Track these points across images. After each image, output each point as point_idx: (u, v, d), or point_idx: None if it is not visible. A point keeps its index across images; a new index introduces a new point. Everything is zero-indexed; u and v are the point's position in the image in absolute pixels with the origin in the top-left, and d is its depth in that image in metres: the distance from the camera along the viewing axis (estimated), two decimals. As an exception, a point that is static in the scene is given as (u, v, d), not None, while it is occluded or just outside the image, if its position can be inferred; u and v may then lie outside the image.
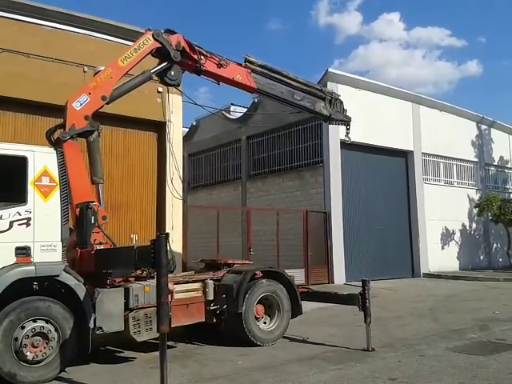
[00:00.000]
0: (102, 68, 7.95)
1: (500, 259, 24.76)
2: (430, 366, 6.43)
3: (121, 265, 6.64)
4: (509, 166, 26.82)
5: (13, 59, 10.93)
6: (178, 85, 8.70)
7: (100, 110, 7.55)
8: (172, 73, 8.25)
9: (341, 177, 18.43)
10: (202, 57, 8.50)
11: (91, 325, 6.23)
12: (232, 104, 25.32)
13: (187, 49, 8.32)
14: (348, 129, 10.73)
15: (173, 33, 8.26)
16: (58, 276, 6.17)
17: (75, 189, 6.92)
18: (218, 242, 15.39)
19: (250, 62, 9.20)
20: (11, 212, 6.09)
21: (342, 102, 10.44)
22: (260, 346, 7.78)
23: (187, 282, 7.77)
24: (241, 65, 9.02)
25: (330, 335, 8.65)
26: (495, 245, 24.87)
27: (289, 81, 9.65)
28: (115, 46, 11.93)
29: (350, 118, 10.64)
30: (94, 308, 6.28)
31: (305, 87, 9.82)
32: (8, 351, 5.69)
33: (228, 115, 24.12)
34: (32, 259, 6.06)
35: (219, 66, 8.68)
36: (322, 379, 5.98)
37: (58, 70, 11.44)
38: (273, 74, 9.43)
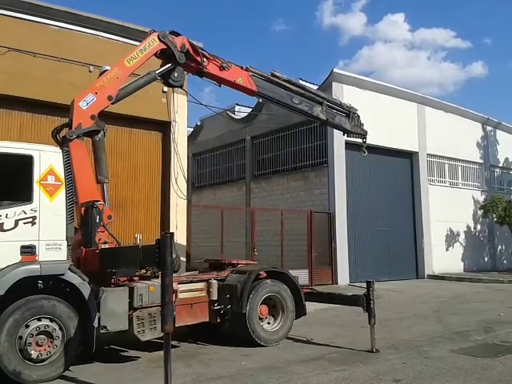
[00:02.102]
0: (108, 68, 7.98)
1: (505, 261, 24.69)
2: (434, 368, 6.42)
3: (125, 264, 6.64)
4: (514, 167, 26.75)
5: (19, 58, 10.98)
6: (181, 86, 8.74)
7: (105, 110, 7.57)
8: (175, 74, 8.30)
9: (345, 177, 18.42)
10: (205, 59, 8.55)
11: (95, 324, 6.24)
12: (237, 104, 25.35)
13: (191, 51, 8.37)
14: (364, 142, 11.02)
15: (177, 34, 8.30)
16: (62, 275, 6.18)
17: (81, 188, 6.93)
18: (221, 241, 15.39)
19: (276, 77, 9.51)
20: (17, 211, 6.10)
21: (359, 116, 10.76)
22: (264, 346, 7.77)
23: (191, 282, 7.78)
24: (242, 68, 9.11)
25: (334, 336, 8.64)
26: (500, 246, 24.78)
27: (295, 88, 9.73)
28: (121, 46, 11.97)
29: (366, 132, 10.91)
30: (99, 307, 6.30)
31: (303, 91, 9.89)
32: (13, 350, 5.71)
33: (232, 115, 24.14)
34: (37, 258, 6.08)
35: (221, 68, 8.75)
36: (326, 380, 5.98)
37: (63, 69, 11.47)
38: (274, 79, 9.50)
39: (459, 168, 23.72)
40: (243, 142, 23.18)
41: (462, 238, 22.75)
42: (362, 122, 10.85)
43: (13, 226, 6.04)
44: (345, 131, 10.82)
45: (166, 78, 8.34)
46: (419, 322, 10.13)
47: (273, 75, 9.52)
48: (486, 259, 24.03)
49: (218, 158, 25.11)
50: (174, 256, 5.30)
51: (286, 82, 9.66)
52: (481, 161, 24.60)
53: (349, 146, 17.58)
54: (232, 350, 7.65)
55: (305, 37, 73.51)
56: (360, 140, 11.12)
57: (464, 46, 69.73)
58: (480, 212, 23.10)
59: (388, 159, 20.15)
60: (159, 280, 5.74)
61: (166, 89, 12.34)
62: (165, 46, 8.04)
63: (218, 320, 7.92)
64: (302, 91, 9.89)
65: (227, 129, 23.66)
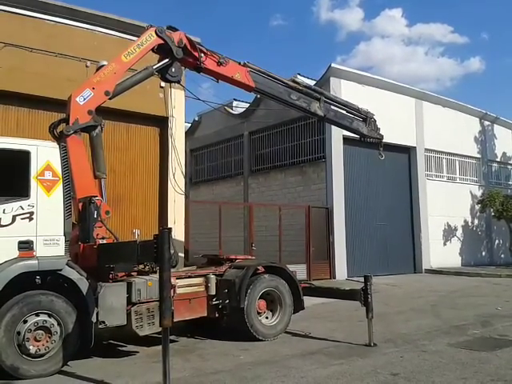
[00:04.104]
0: (105, 63, 7.94)
1: (502, 255, 24.75)
2: (431, 362, 6.44)
3: (123, 259, 6.65)
4: (511, 162, 26.77)
5: (15, 53, 10.95)
6: (179, 81, 8.72)
7: (103, 105, 7.55)
8: (173, 69, 8.27)
9: (343, 172, 18.42)
10: (203, 54, 8.53)
11: (94, 319, 6.25)
12: (234, 99, 25.26)
13: (188, 46, 8.34)
14: (381, 146, 11.27)
15: (175, 30, 8.28)
16: (60, 270, 6.19)
17: (78, 183, 6.93)
18: (219, 237, 15.40)
19: (297, 83, 9.78)
20: (14, 206, 6.10)
21: (375, 121, 10.97)
22: (262, 340, 7.79)
23: (189, 277, 7.79)
24: (240, 63, 9.09)
25: (332, 330, 8.67)
26: (497, 241, 24.84)
27: (293, 84, 9.74)
28: (117, 41, 11.95)
29: (382, 136, 11.17)
30: (97, 302, 6.31)
31: (300, 87, 9.89)
32: (11, 345, 5.71)
33: (230, 110, 24.09)
34: (35, 253, 6.08)
35: (219, 64, 8.73)
36: (324, 374, 5.99)
37: (60, 64, 11.44)
38: (272, 75, 9.51)
39: (457, 163, 23.75)
40: (241, 137, 23.15)
41: (459, 232, 22.81)
42: (378, 126, 11.00)
43: (10, 221, 6.05)
44: (362, 136, 11.00)
45: (163, 73, 8.31)
46: (417, 316, 10.16)
47: (294, 81, 9.73)
48: (483, 253, 24.10)
49: (216, 153, 25.09)
50: (172, 251, 5.31)
51: (305, 88, 9.83)
52: (478, 155, 24.62)
53: (347, 141, 17.60)
54: (230, 344, 7.67)
55: (302, 32, 73.32)
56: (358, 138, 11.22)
57: (461, 41, 69.55)
58: (477, 207, 23.16)
59: (386, 154, 19.92)
60: (157, 275, 5.74)
61: (163, 84, 12.27)
62: (162, 41, 8.01)
63: (217, 315, 7.94)
64: (300, 87, 9.88)
65: (225, 124, 23.63)
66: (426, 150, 21.79)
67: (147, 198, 13.13)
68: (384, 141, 19.42)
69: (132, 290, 6.69)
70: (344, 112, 10.76)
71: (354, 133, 11.12)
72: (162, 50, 8.16)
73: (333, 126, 17.33)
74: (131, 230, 11.87)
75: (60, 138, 7.18)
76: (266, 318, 8.20)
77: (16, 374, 5.73)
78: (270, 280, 8.22)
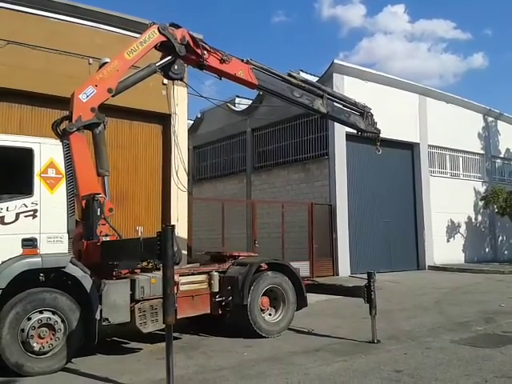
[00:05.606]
0: (107, 60, 7.93)
1: (506, 252, 24.73)
2: (435, 359, 6.43)
3: (127, 256, 6.65)
4: (515, 158, 26.72)
5: (18, 51, 10.92)
6: (182, 79, 8.69)
7: (105, 102, 7.55)
8: (176, 67, 8.26)
9: (346, 169, 18.42)
10: (205, 52, 8.51)
11: (97, 316, 6.25)
12: (237, 96, 25.24)
13: (191, 43, 8.32)
14: (378, 140, 11.23)
15: (177, 27, 8.25)
16: (64, 267, 6.19)
17: (81, 181, 6.93)
18: (223, 234, 15.41)
19: (293, 77, 9.78)
20: (17, 204, 6.10)
21: (372, 115, 10.95)
22: (265, 337, 7.79)
23: (193, 274, 7.80)
24: (243, 61, 9.06)
25: (336, 327, 8.66)
26: (501, 237, 24.81)
27: (295, 81, 9.72)
28: (120, 38, 11.92)
29: (379, 131, 11.12)
30: (101, 299, 6.31)
31: (303, 84, 9.87)
32: (15, 342, 5.72)
33: (233, 107, 24.07)
34: (38, 251, 6.08)
35: (222, 61, 8.71)
36: (328, 371, 5.99)
37: (63, 61, 11.41)
38: (275, 72, 9.48)
39: (460, 159, 23.70)
40: (244, 134, 23.15)
41: (463, 228, 22.78)
42: (375, 120, 10.95)
43: (14, 219, 6.06)
44: (359, 130, 10.97)
45: (166, 70, 8.30)
46: (420, 313, 10.16)
47: (289, 75, 9.68)
48: (486, 250, 24.08)
49: (219, 150, 25.10)
50: (175, 248, 5.30)
51: (302, 82, 9.79)
52: (482, 152, 24.57)
53: (349, 137, 17.58)
54: (234, 341, 7.67)
55: (304, 28, 73.20)
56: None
57: (464, 37, 69.44)
58: (481, 203, 23.13)
59: (389, 150, 19.93)
60: (161, 272, 5.75)
61: (166, 81, 12.28)
62: (165, 39, 7.99)
63: (220, 312, 7.96)
64: (303, 84, 9.86)
65: (228, 121, 23.63)
66: (430, 146, 21.75)
67: (150, 196, 13.12)
68: (387, 137, 19.37)
69: (135, 287, 6.69)
70: (341, 106, 10.72)
71: (352, 127, 11.09)
72: (165, 47, 8.15)
73: (336, 123, 17.37)
74: (134, 227, 11.98)
75: (63, 136, 7.18)
76: (269, 314, 8.21)
77: (20, 371, 5.75)
78: (273, 277, 8.22)
